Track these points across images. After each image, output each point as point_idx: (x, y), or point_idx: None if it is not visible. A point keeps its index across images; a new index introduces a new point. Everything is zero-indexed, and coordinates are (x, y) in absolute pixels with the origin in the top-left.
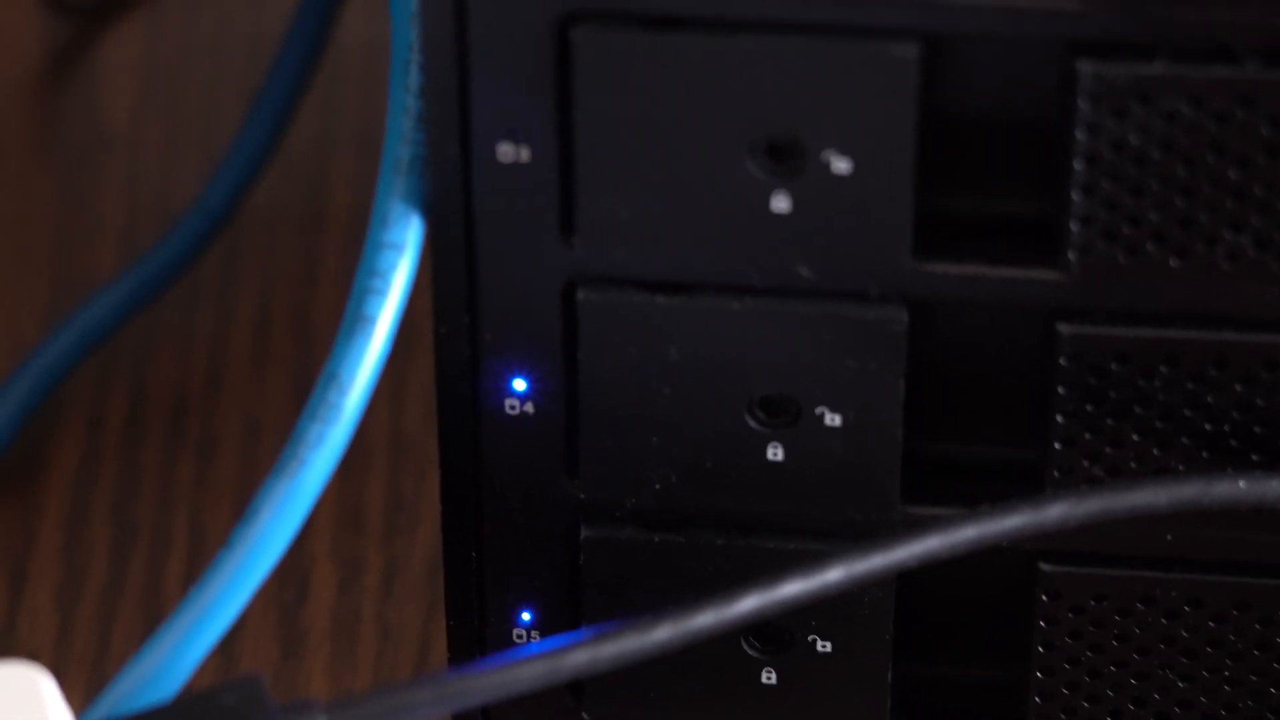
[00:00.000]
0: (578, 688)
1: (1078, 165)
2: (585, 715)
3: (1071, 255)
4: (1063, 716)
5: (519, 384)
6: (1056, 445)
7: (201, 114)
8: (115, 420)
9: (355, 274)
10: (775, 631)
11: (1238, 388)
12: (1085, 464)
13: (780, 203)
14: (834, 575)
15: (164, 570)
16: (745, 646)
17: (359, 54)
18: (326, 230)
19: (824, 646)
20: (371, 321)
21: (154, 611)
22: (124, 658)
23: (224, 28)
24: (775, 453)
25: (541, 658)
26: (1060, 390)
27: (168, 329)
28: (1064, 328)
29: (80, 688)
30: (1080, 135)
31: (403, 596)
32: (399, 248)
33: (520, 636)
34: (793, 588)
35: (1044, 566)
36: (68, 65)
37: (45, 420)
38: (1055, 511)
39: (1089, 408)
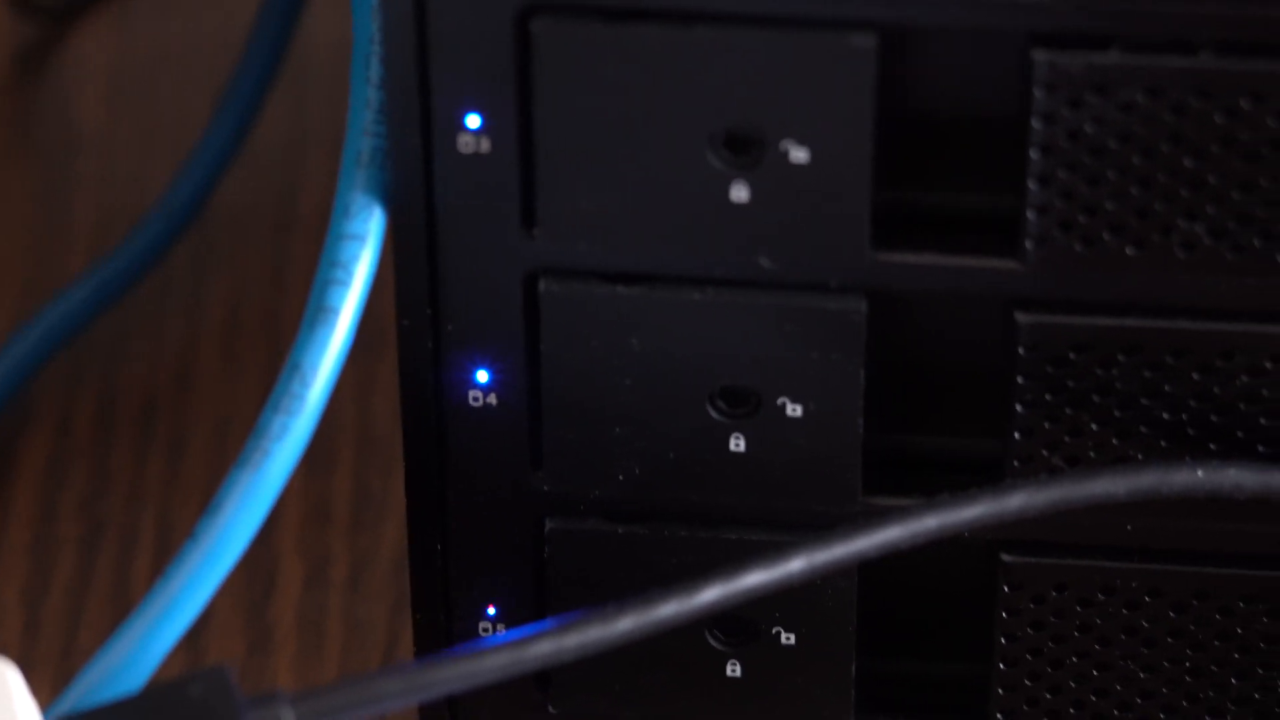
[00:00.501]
0: (544, 680)
1: (1034, 155)
2: (552, 709)
3: (1029, 245)
4: (1025, 708)
5: (482, 376)
6: (1016, 435)
7: (171, 114)
8: (84, 419)
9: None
10: (740, 624)
11: (1195, 376)
12: (1045, 453)
13: (740, 193)
14: (796, 565)
15: (131, 568)
16: (710, 639)
17: (327, 54)
18: (295, 230)
19: (788, 639)
20: (334, 312)
21: (121, 609)
22: (90, 654)
23: (192, 28)
24: (737, 443)
25: (506, 647)
26: (1019, 380)
27: (137, 328)
28: (1022, 317)
29: (47, 684)
30: (1036, 125)
31: (369, 592)
32: (361, 239)
33: (487, 629)
34: (755, 578)
35: (1005, 557)
36: (36, 66)
37: (14, 418)
38: (1015, 501)
39: (1048, 397)
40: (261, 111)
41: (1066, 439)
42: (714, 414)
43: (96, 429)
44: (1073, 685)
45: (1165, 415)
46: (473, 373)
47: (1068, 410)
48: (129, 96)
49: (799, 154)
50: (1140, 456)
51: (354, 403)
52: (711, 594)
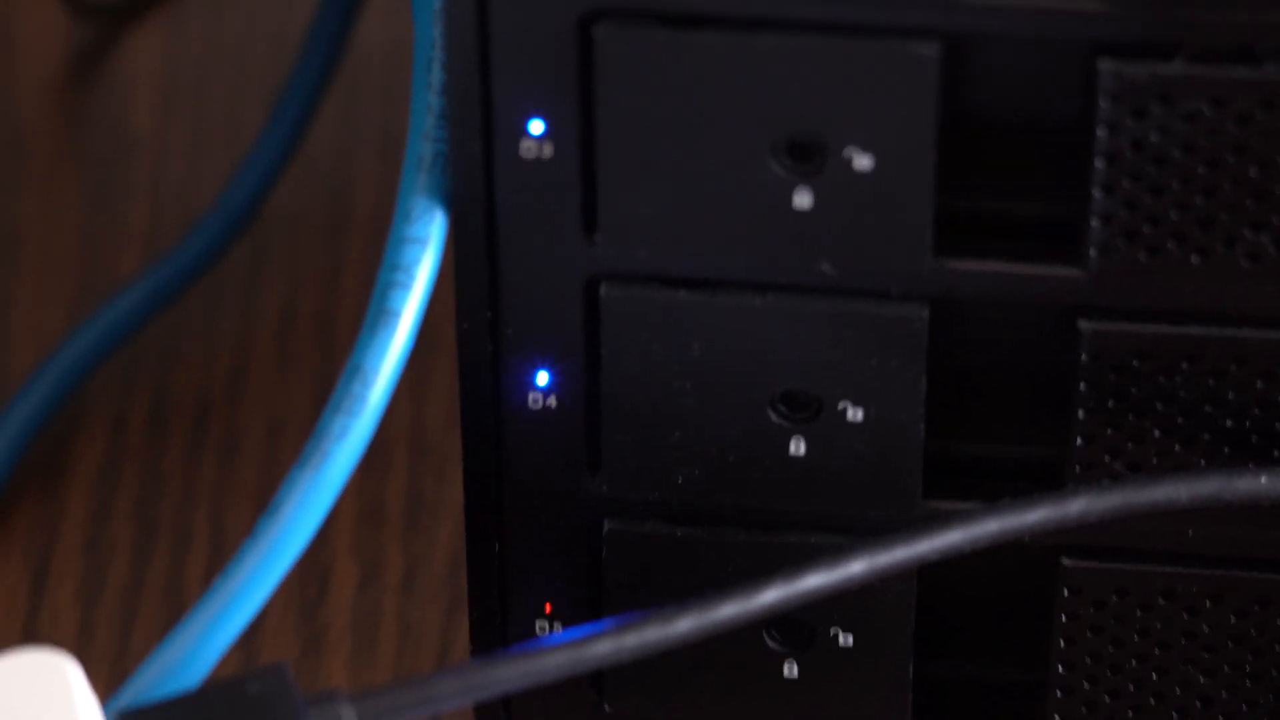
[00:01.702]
0: (599, 681)
1: (1098, 164)
2: (607, 709)
3: (1092, 253)
4: (1084, 712)
5: (541, 379)
6: (1078, 441)
7: (225, 116)
8: (138, 420)
9: (378, 273)
10: (797, 625)
11: (1259, 384)
12: (1106, 460)
13: (802, 199)
14: (856, 567)
15: (184, 569)
16: (767, 640)
17: (381, 58)
18: (349, 233)
19: (846, 640)
20: (395, 315)
21: (174, 610)
22: (144, 655)
23: (247, 29)
24: (797, 448)
25: (565, 647)
26: (1081, 387)
27: (191, 330)
28: (1085, 325)
29: (101, 684)
30: (1101, 134)
31: (423, 595)
32: (422, 242)
33: (542, 631)
34: (815, 579)
35: (1066, 562)
36: (91, 68)
37: (68, 419)
38: (1077, 506)
39: (1110, 404)
40: (317, 114)
41: (1128, 445)
42: (774, 418)
43: (150, 431)
44: (1132, 690)
45: (1228, 422)
46: (532, 375)
47: (1130, 417)
48: (183, 98)
49: (862, 161)
50: (1202, 463)
51: (408, 406)
52: (772, 595)
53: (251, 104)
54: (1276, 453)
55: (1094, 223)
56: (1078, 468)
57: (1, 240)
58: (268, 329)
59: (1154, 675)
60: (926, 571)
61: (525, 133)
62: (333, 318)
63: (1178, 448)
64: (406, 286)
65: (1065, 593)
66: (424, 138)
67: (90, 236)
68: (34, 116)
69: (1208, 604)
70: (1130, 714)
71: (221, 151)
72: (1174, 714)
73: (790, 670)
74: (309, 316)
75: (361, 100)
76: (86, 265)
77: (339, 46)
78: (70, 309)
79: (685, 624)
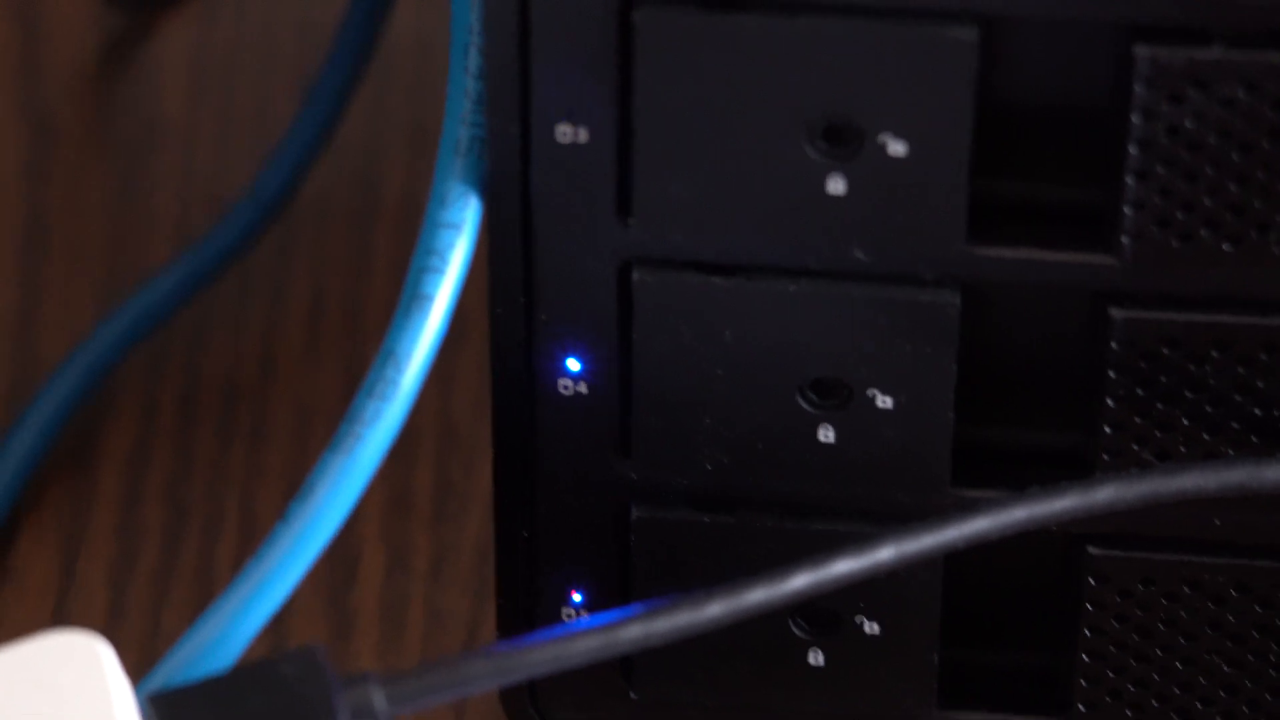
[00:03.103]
0: (627, 666)
1: (1132, 150)
2: (634, 695)
3: (1125, 240)
4: (1108, 700)
5: (573, 364)
6: (1106, 429)
7: (254, 105)
8: (168, 405)
9: (409, 262)
10: (823, 612)
11: None
12: (1134, 448)
13: (836, 185)
14: (884, 554)
15: (214, 553)
16: (793, 627)
17: (411, 49)
18: (379, 221)
19: (871, 628)
20: (429, 299)
21: (204, 594)
22: (174, 638)
23: (276, 18)
24: (826, 434)
25: (595, 631)
26: (1111, 374)
27: (221, 316)
28: (1116, 312)
29: (130, 667)
30: (1136, 120)
31: (451, 582)
32: (457, 227)
33: (570, 616)
34: (844, 566)
35: (1092, 550)
36: (122, 57)
37: (100, 404)
38: (1105, 494)
39: (1139, 392)
40: (350, 102)
41: (1157, 434)
42: (804, 405)
43: (180, 416)
44: (1156, 678)
45: (1257, 411)
46: (564, 361)
47: (1159, 405)
48: (213, 87)
49: (897, 146)
50: (1231, 452)
51: (437, 394)
52: (800, 581)
53: (280, 93)
54: None
55: (1127, 209)
56: (1105, 456)
57: (31, 228)
58: (298, 316)
59: (1179, 664)
60: (951, 558)
61: (561, 117)
62: (362, 306)
63: (1206, 436)
64: (440, 271)
65: (1091, 581)
66: (460, 122)
67: (119, 225)
68: (63, 105)
69: (1233, 593)
70: (1154, 703)
71: (250, 141)
72: (1198, 703)
73: (816, 658)
74: (338, 304)
75: (393, 91)
76: (115, 253)
77: (372, 37)
78: (99, 297)
79: (715, 609)
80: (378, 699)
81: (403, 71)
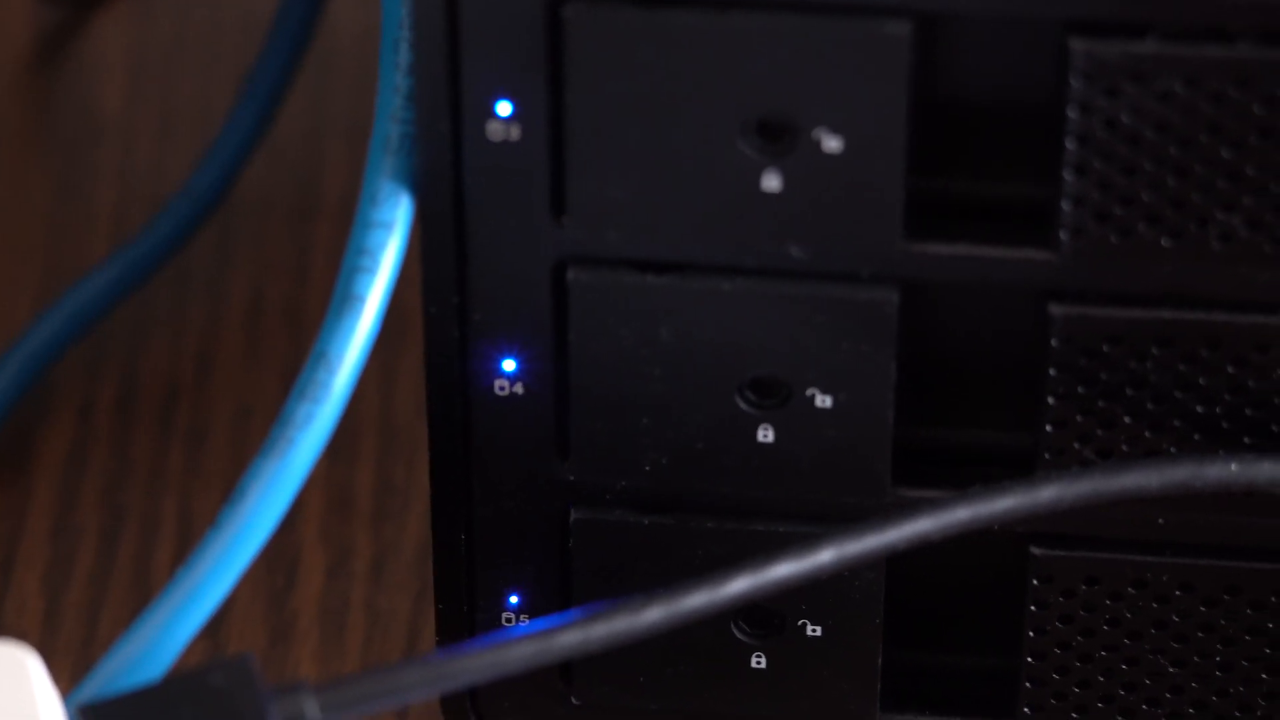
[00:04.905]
0: (568, 671)
1: (1070, 145)
2: (574, 700)
3: (1063, 235)
4: (1053, 702)
5: (508, 365)
6: (1048, 427)
7: (193, 101)
8: (105, 406)
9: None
10: (765, 615)
11: (1229, 369)
12: (1076, 446)
13: (771, 182)
14: (825, 556)
15: (153, 556)
16: (735, 631)
17: (350, 43)
18: (318, 219)
19: (814, 631)
20: (360, 300)
21: (142, 598)
22: (111, 642)
23: (215, 13)
24: (766, 434)
25: (532, 638)
26: (1052, 372)
27: (159, 316)
28: (1056, 309)
29: (67, 672)
30: (1072, 114)
31: (392, 583)
32: (388, 226)
33: (509, 620)
34: (784, 568)
35: (1035, 550)
36: (58, 53)
37: (35, 405)
38: (1047, 493)
39: (1080, 389)
40: (285, 99)
41: (1099, 432)
42: (742, 404)
43: (117, 417)
44: (1101, 679)
45: (1199, 408)
46: (499, 361)
47: (1100, 403)
48: (149, 83)
49: (832, 142)
50: (1173, 450)
51: (377, 393)
52: (740, 585)
53: (220, 89)
54: (1247, 439)
55: (1065, 205)
56: (1047, 454)
57: None
58: (235, 315)
59: (1124, 664)
60: (894, 560)
61: (493, 114)
62: (301, 304)
63: (1148, 434)
64: (372, 271)
65: (1034, 582)
66: (391, 119)
67: (57, 222)
68: (0, 102)
69: (1178, 593)
70: (1100, 704)
71: (189, 136)
72: (1144, 704)
73: (759, 661)
74: (277, 302)
75: (330, 85)
76: (53, 250)
77: (308, 30)
78: (36, 295)
79: (654, 614)
80: (310, 708)
81: (342, 67)
